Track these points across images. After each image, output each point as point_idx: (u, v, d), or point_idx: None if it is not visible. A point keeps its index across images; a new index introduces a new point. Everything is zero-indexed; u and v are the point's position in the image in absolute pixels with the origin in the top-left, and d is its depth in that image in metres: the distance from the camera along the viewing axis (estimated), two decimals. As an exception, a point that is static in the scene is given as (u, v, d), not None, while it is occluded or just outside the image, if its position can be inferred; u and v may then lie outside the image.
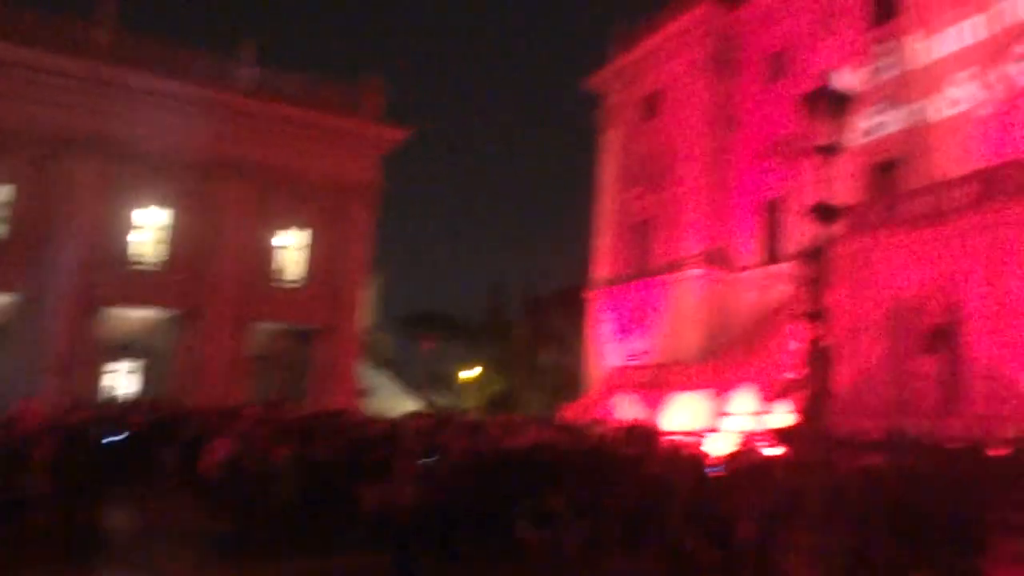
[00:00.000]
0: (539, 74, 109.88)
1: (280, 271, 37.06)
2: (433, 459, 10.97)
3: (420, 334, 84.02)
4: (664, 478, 9.13)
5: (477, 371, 70.04)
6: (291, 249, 37.64)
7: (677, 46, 42.66)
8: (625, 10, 63.84)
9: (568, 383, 55.88)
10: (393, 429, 15.23)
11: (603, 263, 47.14)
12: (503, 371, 70.74)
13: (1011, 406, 20.52)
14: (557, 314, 66.99)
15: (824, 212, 11.39)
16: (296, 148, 35.53)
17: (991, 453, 13.35)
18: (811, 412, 9.92)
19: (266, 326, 37.01)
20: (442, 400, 65.55)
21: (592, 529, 9.79)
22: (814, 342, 28.93)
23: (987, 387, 21.34)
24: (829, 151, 8.39)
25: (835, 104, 8.39)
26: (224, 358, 33.41)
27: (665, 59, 43.76)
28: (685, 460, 10.89)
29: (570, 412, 39.50)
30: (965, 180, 22.79)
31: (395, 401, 55.06)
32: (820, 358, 28.91)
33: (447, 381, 72.12)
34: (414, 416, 20.92)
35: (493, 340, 74.06)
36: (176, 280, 33.06)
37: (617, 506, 9.57)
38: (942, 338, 23.26)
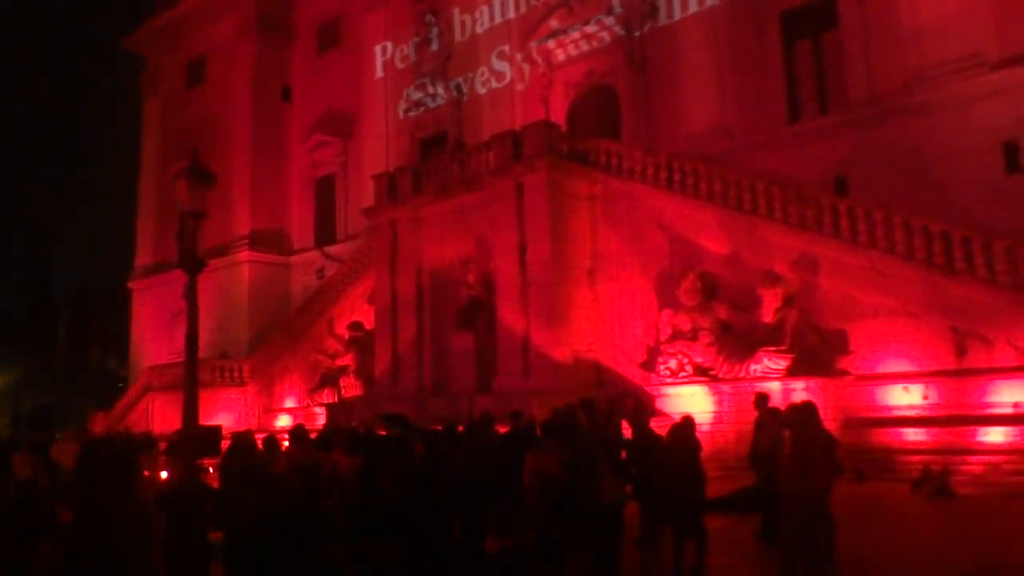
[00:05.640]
0: (80, 32, 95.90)
1: None
2: None
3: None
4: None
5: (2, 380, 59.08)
6: None
7: (223, 5, 38.27)
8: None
9: (121, 388, 49.01)
10: None
11: (146, 249, 41.37)
12: (45, 379, 60.88)
13: (541, 380, 19.63)
14: (109, 310, 58.93)
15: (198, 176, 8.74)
16: None
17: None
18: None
19: None
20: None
21: None
22: (354, 325, 25.77)
23: (519, 361, 20.32)
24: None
25: None
26: None
27: (210, 20, 39.13)
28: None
29: (102, 421, 33.62)
30: (491, 144, 21.71)
31: None
32: (357, 343, 25.58)
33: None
34: None
35: (34, 344, 63.53)
36: None
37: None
38: (479, 312, 22.01)
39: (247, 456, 8.78)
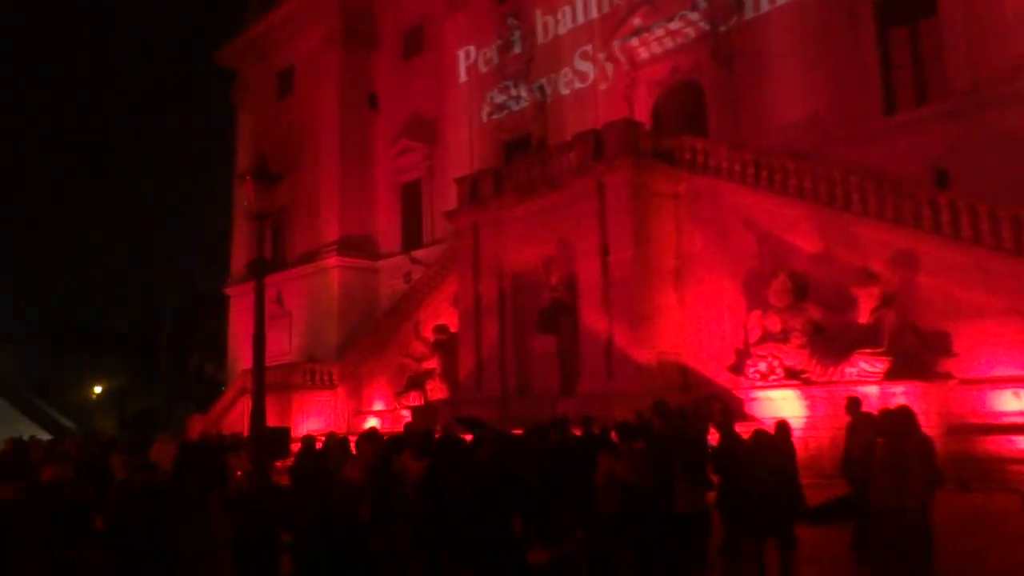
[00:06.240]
0: (176, 46, 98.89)
1: None
2: None
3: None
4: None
5: (103, 387, 61.34)
6: None
7: (309, 17, 39.07)
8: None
9: (220, 392, 50.48)
10: None
11: (241, 256, 42.44)
12: (149, 384, 63.12)
13: (624, 383, 19.21)
14: (211, 316, 60.90)
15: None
16: None
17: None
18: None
19: None
20: (68, 422, 57.01)
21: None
22: (439, 328, 25.73)
23: (602, 363, 19.94)
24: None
25: None
26: None
27: (298, 31, 40.01)
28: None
29: (199, 424, 34.64)
30: (572, 144, 21.39)
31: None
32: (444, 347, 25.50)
33: (79, 399, 62.96)
34: None
35: (139, 350, 65.92)
36: None
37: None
38: (561, 314, 21.73)
39: (317, 457, 8.73)
